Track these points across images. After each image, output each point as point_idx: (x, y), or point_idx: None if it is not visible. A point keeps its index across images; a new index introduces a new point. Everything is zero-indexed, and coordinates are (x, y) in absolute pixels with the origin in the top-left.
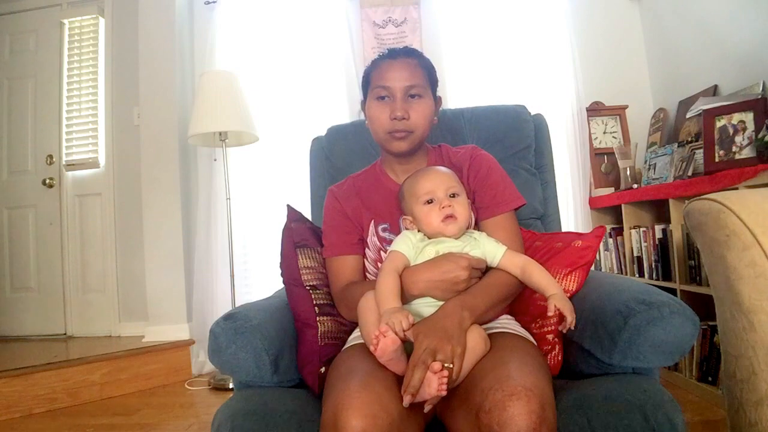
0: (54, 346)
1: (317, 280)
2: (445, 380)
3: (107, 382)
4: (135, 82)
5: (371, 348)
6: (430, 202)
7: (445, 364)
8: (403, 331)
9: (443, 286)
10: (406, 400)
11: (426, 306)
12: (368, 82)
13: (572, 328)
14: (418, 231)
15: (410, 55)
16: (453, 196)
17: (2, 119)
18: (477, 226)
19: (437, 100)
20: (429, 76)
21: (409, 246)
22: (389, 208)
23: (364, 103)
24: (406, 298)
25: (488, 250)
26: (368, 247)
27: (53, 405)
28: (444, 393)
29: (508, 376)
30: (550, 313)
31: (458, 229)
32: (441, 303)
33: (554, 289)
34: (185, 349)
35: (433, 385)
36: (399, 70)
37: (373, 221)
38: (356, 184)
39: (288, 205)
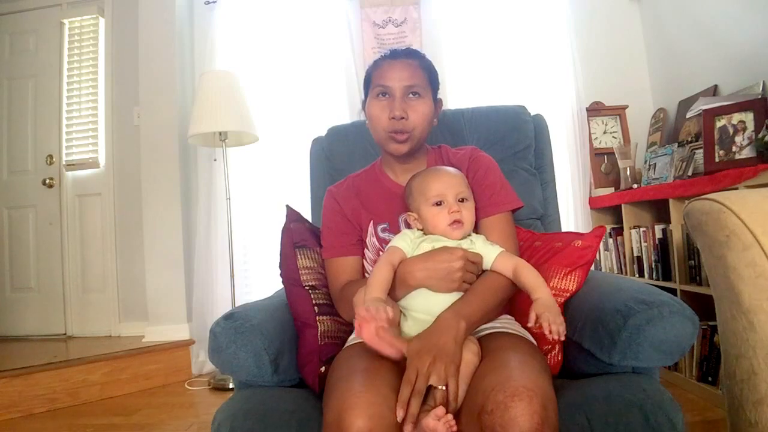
0: (54, 346)
1: (316, 281)
2: (453, 425)
3: (107, 382)
4: (135, 82)
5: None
6: (439, 204)
7: (440, 387)
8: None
9: (439, 275)
10: (407, 429)
11: (425, 292)
12: (369, 81)
13: (560, 337)
14: (420, 228)
15: (412, 56)
16: (462, 200)
17: (2, 119)
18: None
19: (438, 103)
20: (430, 77)
21: (407, 242)
22: (389, 209)
23: (365, 103)
24: (403, 289)
25: (483, 252)
26: (367, 248)
27: (53, 405)
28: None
29: (510, 376)
30: (530, 324)
31: (463, 234)
32: (437, 294)
33: (540, 293)
34: (185, 349)
35: (440, 431)
36: (400, 70)
37: (372, 221)
38: (356, 183)
39: (287, 206)
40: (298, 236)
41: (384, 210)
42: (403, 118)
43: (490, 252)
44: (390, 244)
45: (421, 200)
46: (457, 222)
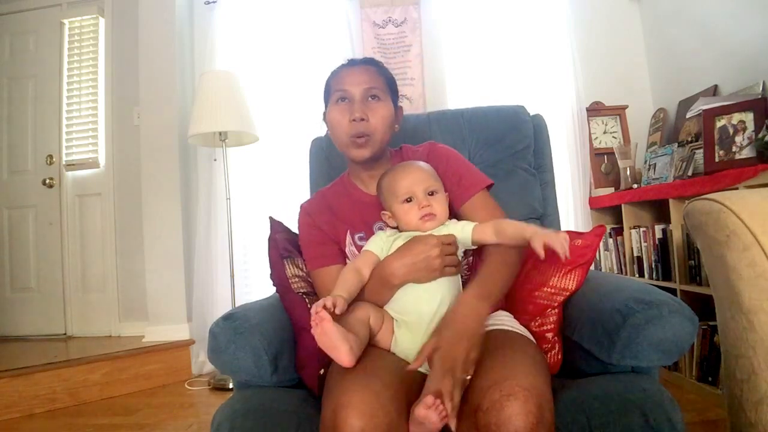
0: (54, 346)
1: (309, 287)
2: (442, 410)
3: (107, 382)
4: (135, 82)
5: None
6: (409, 200)
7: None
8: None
9: (419, 267)
10: (452, 422)
11: (411, 290)
12: (329, 90)
13: (567, 256)
14: (395, 226)
15: (370, 63)
16: (431, 193)
17: (2, 119)
18: (457, 217)
19: (398, 109)
20: (388, 83)
21: (378, 245)
22: (363, 218)
23: (325, 114)
24: (390, 290)
25: (455, 230)
26: (348, 258)
27: (53, 405)
28: (452, 419)
29: (506, 375)
30: (542, 256)
31: (436, 225)
32: (425, 292)
33: (530, 230)
34: (185, 349)
35: (433, 420)
36: (358, 74)
37: (349, 231)
38: (326, 198)
39: (270, 217)
40: (283, 247)
41: (358, 220)
42: (363, 119)
43: (462, 229)
44: (363, 248)
45: (392, 199)
46: (429, 215)
